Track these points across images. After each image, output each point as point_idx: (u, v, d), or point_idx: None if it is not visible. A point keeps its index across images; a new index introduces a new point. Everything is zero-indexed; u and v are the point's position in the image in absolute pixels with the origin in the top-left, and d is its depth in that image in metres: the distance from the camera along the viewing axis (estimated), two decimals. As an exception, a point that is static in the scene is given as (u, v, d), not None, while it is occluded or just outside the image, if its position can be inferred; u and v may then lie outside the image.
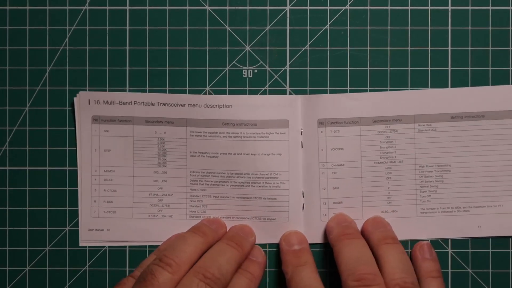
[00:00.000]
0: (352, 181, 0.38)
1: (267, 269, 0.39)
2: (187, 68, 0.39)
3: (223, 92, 0.39)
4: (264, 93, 0.39)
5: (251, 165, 0.38)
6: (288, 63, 0.39)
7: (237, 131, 0.39)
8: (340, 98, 0.38)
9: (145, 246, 0.39)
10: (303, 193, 0.39)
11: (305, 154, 0.39)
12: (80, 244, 0.39)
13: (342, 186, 0.38)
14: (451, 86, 0.39)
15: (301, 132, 0.39)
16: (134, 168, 0.39)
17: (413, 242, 0.38)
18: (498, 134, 0.38)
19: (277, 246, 0.39)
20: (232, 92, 0.39)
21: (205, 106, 0.39)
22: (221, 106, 0.39)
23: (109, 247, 0.39)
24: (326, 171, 0.38)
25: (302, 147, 0.39)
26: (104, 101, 0.39)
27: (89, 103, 0.39)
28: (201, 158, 0.39)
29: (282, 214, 0.39)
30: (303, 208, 0.39)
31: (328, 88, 0.39)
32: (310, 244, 0.39)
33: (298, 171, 0.39)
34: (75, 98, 0.39)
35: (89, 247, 0.39)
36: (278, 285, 0.39)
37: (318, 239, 0.39)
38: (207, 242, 0.36)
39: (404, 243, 0.38)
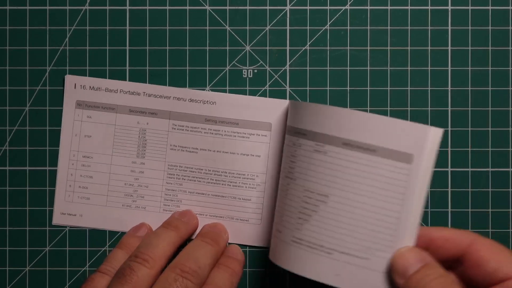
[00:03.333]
0: None
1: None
2: (187, 68, 0.39)
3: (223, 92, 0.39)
4: (264, 93, 0.39)
5: (229, 163, 0.38)
6: (288, 63, 0.39)
7: (219, 128, 0.39)
8: (323, 108, 0.34)
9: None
10: None
11: None
12: (53, 223, 0.39)
13: None
14: (451, 86, 0.39)
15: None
16: (113, 156, 0.39)
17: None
18: (388, 177, 0.31)
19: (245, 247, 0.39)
20: (232, 92, 0.39)
21: (189, 100, 0.39)
22: (205, 102, 0.39)
23: (109, 247, 0.39)
24: None
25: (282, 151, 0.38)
26: (90, 87, 0.39)
27: (74, 87, 0.39)
28: (180, 152, 0.39)
29: (255, 216, 0.39)
30: None
31: (328, 88, 0.39)
32: None
33: (275, 174, 0.38)
34: (66, 80, 0.39)
35: (90, 247, 0.39)
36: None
37: None
38: (180, 236, 0.37)
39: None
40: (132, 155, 0.39)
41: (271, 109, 0.39)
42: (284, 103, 0.38)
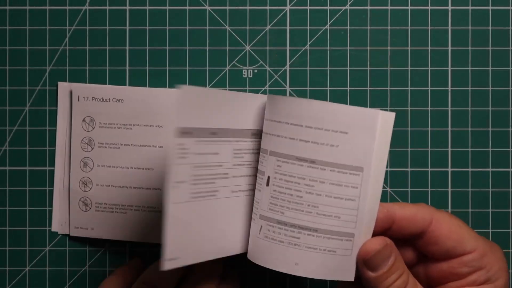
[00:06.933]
0: None
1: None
2: (187, 68, 0.39)
3: (223, 92, 0.39)
4: (264, 93, 0.39)
5: None
6: (288, 63, 0.39)
7: None
8: None
9: (145, 246, 0.39)
10: None
11: None
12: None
13: None
14: (451, 86, 0.39)
15: None
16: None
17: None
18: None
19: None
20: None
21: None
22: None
23: (109, 247, 0.39)
24: None
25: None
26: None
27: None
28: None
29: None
30: None
31: (328, 88, 0.39)
32: None
33: None
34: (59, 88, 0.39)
35: (89, 247, 0.39)
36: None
37: None
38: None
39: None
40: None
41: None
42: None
